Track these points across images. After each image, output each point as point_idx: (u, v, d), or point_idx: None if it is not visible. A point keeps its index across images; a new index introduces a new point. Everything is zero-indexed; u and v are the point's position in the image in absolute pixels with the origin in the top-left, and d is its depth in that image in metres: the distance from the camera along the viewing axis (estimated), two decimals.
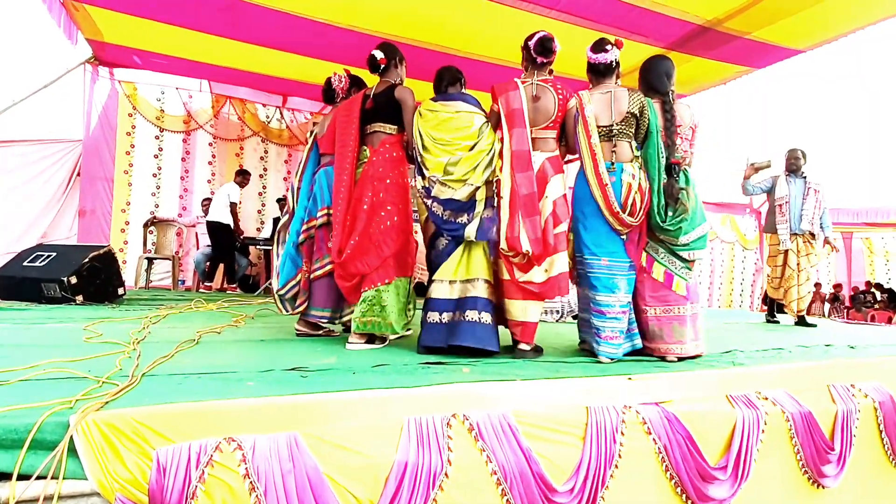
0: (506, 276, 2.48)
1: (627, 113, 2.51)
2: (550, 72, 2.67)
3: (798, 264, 4.60)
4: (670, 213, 2.49)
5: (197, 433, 1.39)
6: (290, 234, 2.99)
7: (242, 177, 6.41)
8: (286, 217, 3.09)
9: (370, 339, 2.63)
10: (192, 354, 2.22)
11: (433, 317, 2.51)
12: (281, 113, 7.43)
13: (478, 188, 2.46)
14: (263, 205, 7.38)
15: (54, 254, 4.19)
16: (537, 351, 2.55)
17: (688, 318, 2.53)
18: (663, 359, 2.51)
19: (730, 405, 2.09)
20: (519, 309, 2.48)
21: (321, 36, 5.22)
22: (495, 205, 2.54)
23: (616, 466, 1.80)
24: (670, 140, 2.55)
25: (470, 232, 2.45)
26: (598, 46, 2.62)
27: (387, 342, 2.70)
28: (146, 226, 6.23)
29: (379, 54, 2.81)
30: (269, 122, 7.37)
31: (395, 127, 2.73)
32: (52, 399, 1.41)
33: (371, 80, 2.99)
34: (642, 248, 2.57)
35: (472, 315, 2.43)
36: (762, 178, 4.83)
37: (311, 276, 2.87)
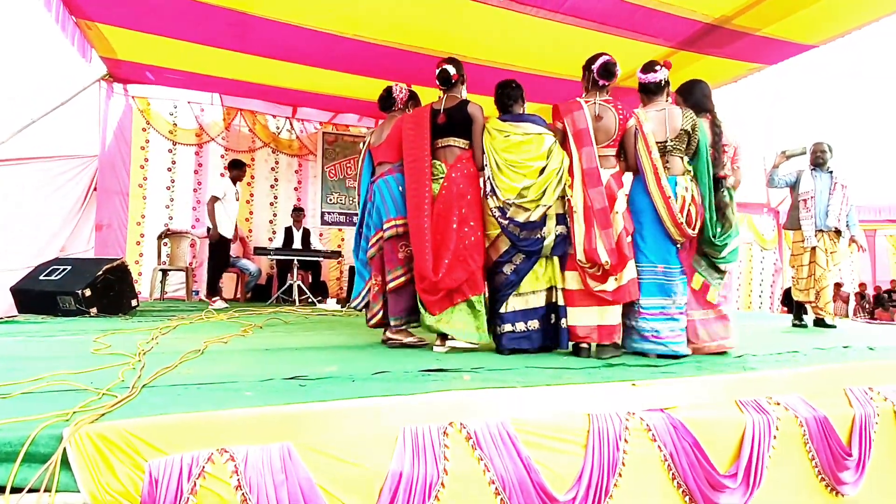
0: (576, 287, 2.67)
1: (681, 130, 2.70)
2: (608, 91, 2.83)
3: (827, 262, 4.41)
4: (719, 229, 2.70)
5: (190, 445, 1.39)
6: (358, 248, 3.11)
7: (237, 170, 5.99)
8: (356, 229, 3.19)
9: (444, 338, 2.79)
10: (196, 365, 2.23)
11: (519, 326, 2.69)
12: (291, 124, 7.51)
13: (549, 207, 2.64)
14: (275, 214, 7.45)
15: (69, 267, 4.28)
16: (616, 347, 2.70)
17: (727, 318, 2.80)
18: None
19: (739, 411, 2.02)
20: (596, 314, 2.65)
21: (329, 47, 5.28)
22: (567, 221, 2.68)
23: (620, 475, 1.75)
24: (717, 155, 2.76)
25: (547, 249, 2.67)
26: (648, 68, 2.84)
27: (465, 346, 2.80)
28: (160, 238, 6.33)
29: (451, 69, 2.86)
30: (279, 133, 7.45)
31: (467, 142, 2.82)
32: (51, 411, 1.42)
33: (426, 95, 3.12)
34: (691, 255, 2.77)
35: (534, 325, 2.70)
36: (787, 171, 4.65)
37: (387, 287, 2.90)
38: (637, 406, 1.90)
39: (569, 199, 2.65)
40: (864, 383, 2.36)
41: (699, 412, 1.96)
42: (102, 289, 4.14)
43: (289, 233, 6.79)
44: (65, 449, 1.29)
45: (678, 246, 2.70)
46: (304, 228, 6.88)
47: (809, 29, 4.87)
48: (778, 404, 2.10)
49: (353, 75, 6.00)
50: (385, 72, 5.88)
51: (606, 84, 2.77)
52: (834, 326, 4.43)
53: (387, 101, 3.17)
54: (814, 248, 4.41)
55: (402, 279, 2.86)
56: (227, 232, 5.75)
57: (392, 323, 2.90)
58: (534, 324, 2.69)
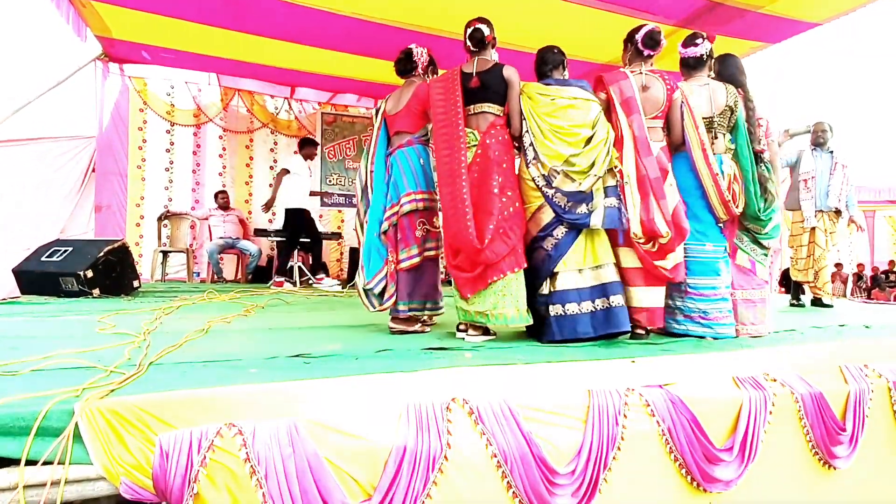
0: (632, 264, 2.51)
1: (725, 106, 2.63)
2: (653, 62, 2.71)
3: (826, 242, 4.42)
4: (762, 203, 2.64)
5: (199, 419, 1.42)
6: (369, 223, 2.76)
7: (308, 147, 5.98)
8: (364, 204, 2.85)
9: (485, 330, 2.54)
10: (200, 344, 2.26)
11: (571, 308, 2.43)
12: (289, 104, 7.45)
13: (599, 178, 2.45)
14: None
15: (71, 248, 4.29)
16: (649, 332, 2.61)
17: (767, 300, 2.78)
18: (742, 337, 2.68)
19: (736, 387, 2.06)
20: (646, 295, 2.53)
21: (327, 26, 5.21)
22: (618, 194, 2.49)
23: (619, 449, 1.79)
24: (753, 131, 2.67)
25: (596, 221, 2.43)
26: (689, 41, 2.73)
27: (496, 335, 2.59)
28: (160, 219, 6.32)
29: (486, 29, 2.61)
30: (277, 114, 7.40)
31: (501, 108, 2.59)
32: (61, 388, 1.45)
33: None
34: (734, 233, 2.72)
35: (617, 300, 2.45)
36: (788, 151, 4.62)
37: (398, 267, 2.68)
38: (636, 382, 1.94)
39: (620, 171, 2.49)
40: (859, 360, 2.40)
41: (697, 388, 1.99)
42: (104, 270, 4.15)
43: (289, 215, 6.77)
44: (77, 423, 1.32)
45: (721, 224, 2.67)
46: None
47: (813, 6, 4.82)
48: (774, 380, 2.14)
49: (351, 55, 5.93)
50: (384, 51, 5.79)
51: (652, 54, 2.67)
52: (831, 306, 4.47)
53: (406, 63, 2.88)
54: (813, 229, 4.42)
55: (417, 259, 2.66)
56: (297, 203, 5.78)
57: (400, 308, 2.67)
58: (589, 305, 2.44)
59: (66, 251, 4.26)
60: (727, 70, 2.82)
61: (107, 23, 5.29)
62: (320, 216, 7.45)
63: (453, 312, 2.69)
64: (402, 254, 2.68)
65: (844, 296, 10.15)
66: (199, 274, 6.73)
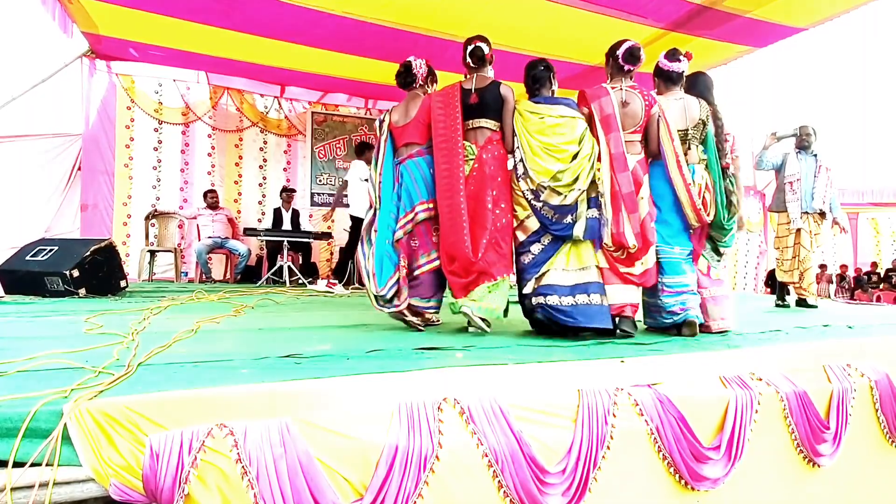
0: (606, 266, 2.68)
1: (699, 120, 2.80)
2: (632, 77, 2.82)
3: (811, 244, 4.48)
4: (726, 214, 2.82)
5: (189, 420, 1.42)
6: (379, 231, 2.83)
7: (369, 151, 5.90)
8: (370, 213, 2.90)
9: (487, 322, 2.73)
10: (190, 344, 2.24)
11: (552, 300, 2.60)
12: (279, 103, 7.42)
13: (583, 192, 2.61)
14: (264, 195, 7.40)
15: (56, 248, 4.23)
16: (634, 324, 2.73)
17: (730, 297, 2.98)
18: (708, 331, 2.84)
19: (723, 386, 2.09)
20: (620, 292, 2.67)
21: (317, 24, 5.19)
22: (599, 205, 2.64)
23: (608, 448, 1.81)
24: (721, 146, 2.84)
25: (578, 232, 2.61)
26: (673, 56, 2.87)
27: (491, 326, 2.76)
28: (147, 218, 6.26)
29: (486, 48, 2.78)
30: (267, 113, 7.36)
31: (498, 124, 2.75)
32: (48, 389, 1.44)
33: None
34: (703, 239, 2.89)
35: (596, 298, 2.61)
36: (774, 154, 4.68)
37: (418, 271, 2.81)
38: (625, 382, 1.96)
39: (600, 182, 2.64)
40: (842, 360, 2.44)
41: (685, 388, 2.02)
42: (91, 269, 4.10)
43: (278, 213, 6.75)
44: (65, 425, 1.31)
45: (691, 231, 2.82)
46: (294, 209, 6.84)
47: (799, 11, 4.91)
48: (760, 380, 2.17)
49: (342, 54, 5.92)
50: (375, 51, 5.81)
51: (632, 69, 2.79)
52: (815, 307, 4.54)
53: (406, 77, 2.99)
54: (798, 230, 4.49)
55: (436, 262, 2.80)
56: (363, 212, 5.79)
57: (419, 304, 2.81)
58: (570, 299, 2.60)
59: (51, 250, 4.20)
60: (698, 87, 2.96)
61: (94, 19, 5.23)
62: (310, 216, 7.42)
63: (447, 312, 2.87)
64: (422, 258, 2.82)
65: (829, 296, 10.32)
66: (186, 274, 6.67)
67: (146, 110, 6.61)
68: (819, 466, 2.24)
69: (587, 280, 2.63)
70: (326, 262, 7.65)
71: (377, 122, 3.01)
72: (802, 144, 4.59)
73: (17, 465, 1.27)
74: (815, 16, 5.03)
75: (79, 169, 6.12)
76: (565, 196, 2.58)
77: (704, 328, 2.82)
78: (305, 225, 6.90)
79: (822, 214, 4.53)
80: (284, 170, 7.52)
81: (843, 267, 12.50)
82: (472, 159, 2.72)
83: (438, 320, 2.97)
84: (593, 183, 2.64)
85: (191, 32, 5.44)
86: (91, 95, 6.18)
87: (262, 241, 6.72)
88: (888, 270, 11.82)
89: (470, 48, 2.78)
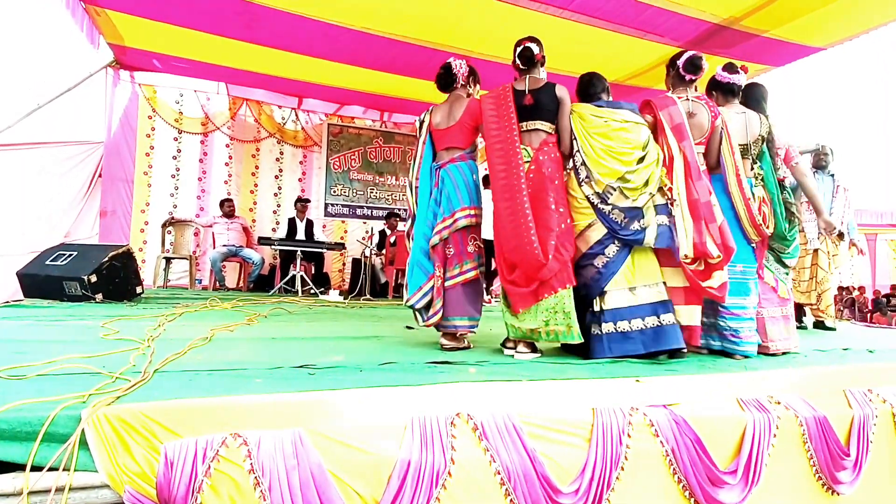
0: (675, 283, 2.57)
1: (759, 135, 2.79)
2: (696, 87, 2.80)
3: (829, 265, 4.41)
4: (787, 225, 2.81)
5: (204, 428, 1.42)
6: (415, 239, 2.74)
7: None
8: (410, 221, 2.82)
9: (533, 348, 2.53)
10: (204, 352, 2.26)
11: (622, 325, 2.48)
12: (296, 115, 7.53)
13: (653, 196, 2.53)
14: (279, 205, 7.48)
15: (75, 253, 4.30)
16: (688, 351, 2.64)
17: (791, 317, 2.93)
18: (770, 354, 2.79)
19: (740, 409, 2.05)
20: (688, 313, 2.58)
21: (335, 38, 5.28)
22: (669, 212, 2.55)
23: (622, 469, 1.78)
24: (774, 158, 2.85)
25: (650, 239, 2.48)
26: (732, 68, 2.86)
27: (543, 353, 2.57)
28: (164, 226, 6.35)
29: (535, 48, 2.63)
30: (284, 124, 7.47)
31: (553, 126, 2.62)
32: (67, 393, 1.45)
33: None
34: (763, 255, 2.84)
35: (668, 318, 2.50)
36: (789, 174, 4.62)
37: (451, 282, 2.65)
38: (640, 402, 1.93)
39: (669, 189, 2.55)
40: (863, 385, 2.39)
41: (701, 409, 1.99)
42: (108, 275, 4.16)
43: (292, 223, 6.81)
44: (83, 430, 1.32)
45: (753, 245, 2.76)
46: (308, 219, 6.90)
47: (817, 31, 4.89)
48: (779, 403, 2.13)
49: (358, 68, 6.01)
50: (391, 65, 5.90)
51: (694, 79, 2.76)
52: (834, 329, 4.45)
53: (447, 78, 2.84)
54: (816, 251, 4.43)
55: (472, 273, 2.65)
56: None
57: (457, 323, 2.62)
58: (639, 322, 2.48)
59: (70, 255, 4.27)
60: (754, 97, 2.94)
61: (120, 31, 5.37)
62: (324, 226, 7.48)
63: (481, 327, 2.75)
64: (454, 269, 2.66)
65: (847, 319, 10.12)
66: (200, 281, 6.74)
67: (167, 120, 6.74)
68: (838, 494, 2.18)
69: (656, 299, 2.51)
70: (339, 272, 7.69)
71: (416, 123, 2.91)
72: (819, 164, 4.54)
73: (35, 468, 1.28)
74: (834, 36, 5.01)
75: (99, 176, 6.24)
76: (636, 199, 2.48)
77: (763, 349, 2.78)
78: (319, 235, 6.96)
79: (841, 235, 4.46)
80: (300, 180, 7.61)
81: (861, 289, 12.27)
82: (527, 162, 2.56)
83: (469, 345, 2.71)
84: (660, 190, 2.56)
85: (213, 45, 5.56)
86: (114, 104, 6.33)
87: (275, 251, 6.78)
88: None
89: (519, 49, 2.65)
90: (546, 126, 2.60)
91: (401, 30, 5.10)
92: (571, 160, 2.64)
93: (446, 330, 2.64)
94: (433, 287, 2.64)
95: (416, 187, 2.77)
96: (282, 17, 4.91)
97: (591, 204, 2.53)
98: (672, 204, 2.54)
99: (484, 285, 2.82)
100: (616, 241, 2.52)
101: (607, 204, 2.50)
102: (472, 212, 2.67)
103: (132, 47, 5.77)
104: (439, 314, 2.62)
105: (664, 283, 2.56)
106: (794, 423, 2.11)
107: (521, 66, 2.66)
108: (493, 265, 2.79)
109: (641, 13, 4.57)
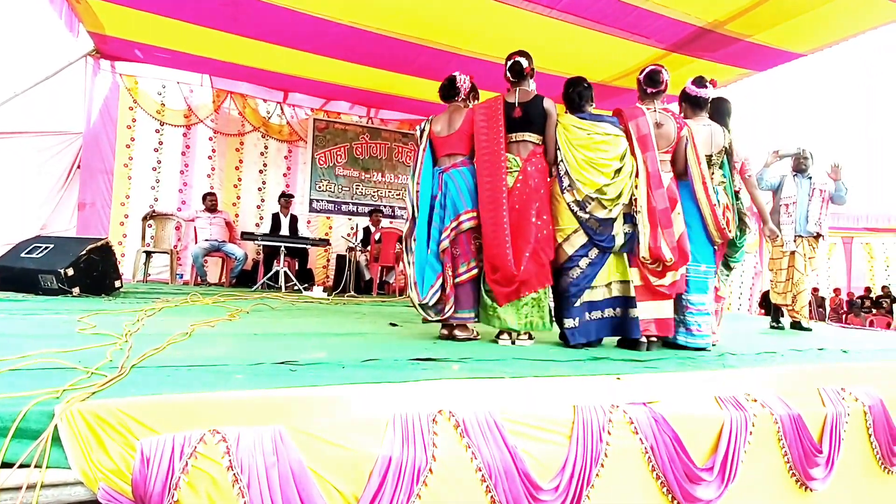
0: (638, 282, 2.80)
1: (722, 146, 2.99)
2: (662, 99, 2.97)
3: (805, 267, 4.51)
4: (738, 233, 3.04)
5: (182, 425, 1.40)
6: (418, 240, 2.89)
7: None
8: (409, 223, 2.96)
9: (530, 336, 2.83)
10: (184, 347, 2.22)
11: (595, 314, 2.78)
12: (281, 109, 7.45)
13: (625, 205, 2.76)
14: (263, 200, 7.40)
15: (52, 245, 4.21)
16: (659, 341, 2.87)
17: (720, 312, 3.19)
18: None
19: (718, 407, 2.09)
20: (655, 307, 2.81)
21: (323, 32, 5.24)
22: (634, 221, 2.77)
23: (602, 465, 1.80)
24: (733, 170, 3.07)
25: (618, 244, 2.77)
26: (701, 82, 3.02)
27: (534, 339, 2.86)
28: (145, 219, 6.24)
29: (525, 62, 2.83)
30: (269, 118, 7.39)
31: (541, 137, 2.83)
32: (40, 389, 1.42)
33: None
34: (721, 258, 3.05)
35: (632, 312, 2.76)
36: (772, 175, 4.71)
37: (457, 280, 2.83)
38: (621, 399, 1.95)
39: (635, 199, 2.76)
40: (836, 384, 2.45)
41: (680, 407, 2.02)
42: (86, 269, 4.08)
43: (276, 219, 6.75)
44: (56, 426, 1.29)
45: (715, 248, 2.96)
46: (292, 215, 6.84)
47: (798, 38, 4.98)
48: (755, 401, 2.17)
49: (345, 62, 5.97)
50: (379, 60, 5.86)
51: (655, 92, 2.92)
52: (810, 329, 4.55)
53: (450, 90, 3.03)
54: (793, 253, 4.52)
55: (475, 271, 2.86)
56: None
57: (462, 316, 2.85)
58: (610, 311, 2.79)
59: (46, 248, 4.18)
60: (719, 111, 3.12)
61: (100, 19, 5.26)
62: (308, 222, 7.42)
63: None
64: (461, 267, 2.86)
65: (821, 319, 10.34)
66: (182, 276, 6.64)
67: (148, 111, 6.62)
68: (811, 490, 2.23)
69: (623, 294, 2.79)
70: (323, 268, 7.64)
71: (417, 130, 3.08)
72: (799, 167, 4.64)
73: (5, 465, 1.25)
74: (815, 42, 5.11)
75: (78, 167, 6.11)
76: (610, 209, 2.71)
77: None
78: (303, 231, 6.91)
79: (818, 237, 4.55)
80: (284, 175, 7.53)
81: (836, 290, 12.55)
82: (515, 171, 2.78)
83: (477, 335, 2.96)
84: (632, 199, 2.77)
85: (196, 36, 5.47)
86: (94, 94, 6.19)
87: (259, 246, 6.71)
88: (879, 296, 11.88)
89: (509, 63, 2.85)
90: (534, 137, 2.82)
91: (388, 25, 5.07)
92: (555, 168, 2.84)
93: (458, 322, 2.87)
94: (443, 284, 2.82)
95: (418, 192, 2.92)
96: (267, 10, 4.85)
97: (572, 211, 2.76)
98: (635, 211, 2.76)
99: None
100: (595, 246, 2.77)
101: (585, 212, 2.73)
102: (474, 214, 2.84)
103: (113, 36, 5.65)
104: (452, 309, 2.81)
105: (630, 281, 2.80)
106: (770, 420, 2.15)
107: (511, 79, 2.86)
108: None
109: (628, 14, 4.61)
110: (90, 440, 1.30)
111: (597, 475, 1.78)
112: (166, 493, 1.30)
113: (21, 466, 1.25)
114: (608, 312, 2.81)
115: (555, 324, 2.87)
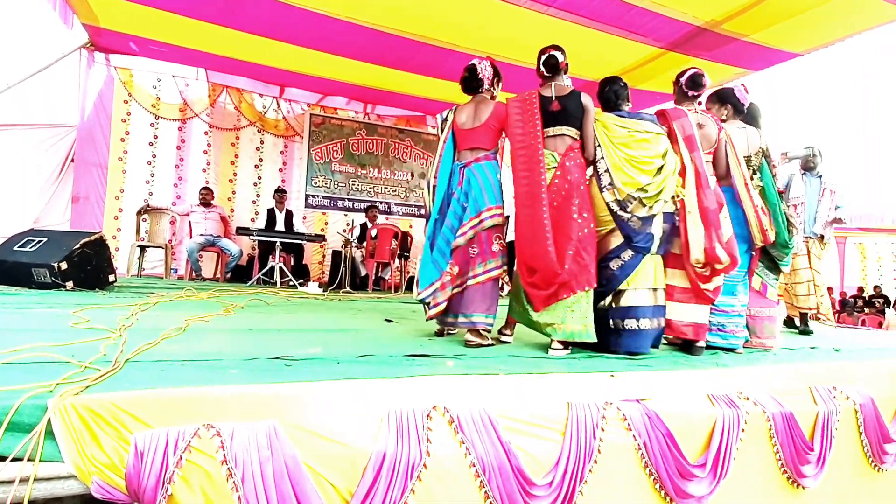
0: (682, 285, 2.75)
1: (759, 148, 3.02)
2: (700, 102, 2.99)
3: (811, 265, 4.36)
4: (787, 235, 2.99)
5: (176, 419, 1.40)
6: (429, 236, 2.79)
7: None
8: (426, 220, 2.88)
9: (566, 345, 2.56)
10: (178, 342, 2.22)
11: (644, 323, 2.60)
12: (278, 104, 7.42)
13: (665, 202, 2.65)
14: (259, 195, 7.38)
15: (45, 239, 4.18)
16: (701, 347, 2.79)
17: (776, 318, 3.14)
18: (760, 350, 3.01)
19: (711, 404, 2.10)
20: (696, 312, 2.75)
21: (320, 27, 5.21)
22: (676, 221, 2.71)
23: (595, 462, 1.81)
24: (772, 171, 3.07)
25: (654, 248, 2.64)
26: (747, 89, 3.11)
27: (571, 349, 2.58)
28: (139, 213, 6.21)
29: (560, 56, 2.72)
30: (265, 113, 7.35)
31: (579, 132, 2.68)
32: (33, 382, 1.41)
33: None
34: (757, 261, 3.06)
35: (662, 322, 2.69)
36: (780, 175, 4.61)
37: (473, 280, 2.66)
38: (614, 396, 1.96)
39: (681, 200, 2.69)
40: (828, 383, 2.47)
41: (673, 404, 2.03)
42: (79, 262, 4.05)
43: (272, 214, 6.73)
44: (49, 420, 1.28)
45: (752, 252, 2.98)
46: (287, 210, 6.82)
47: (795, 38, 5.00)
48: (747, 399, 2.19)
49: (342, 58, 5.94)
50: (376, 56, 5.84)
51: (696, 95, 2.94)
52: (810, 332, 4.16)
53: (472, 81, 2.83)
54: (806, 254, 4.41)
55: (497, 272, 2.68)
56: None
57: (476, 320, 2.62)
58: (648, 322, 2.61)
59: (40, 242, 4.15)
60: (752, 115, 3.18)
61: (95, 11, 5.21)
62: (304, 218, 7.40)
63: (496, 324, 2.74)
64: (478, 268, 2.68)
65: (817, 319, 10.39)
66: (176, 270, 6.61)
67: (143, 105, 6.58)
68: (803, 488, 2.25)
69: (661, 302, 2.68)
70: (318, 264, 7.63)
71: (438, 120, 2.99)
72: (808, 166, 4.50)
73: None
74: (811, 42, 5.12)
75: (72, 161, 6.07)
76: (651, 207, 2.59)
77: (758, 345, 3.06)
78: (299, 226, 6.89)
79: (822, 238, 4.45)
80: (280, 170, 7.51)
81: (829, 290, 12.62)
82: (553, 167, 2.63)
83: (493, 342, 2.71)
84: (671, 198, 2.70)
85: (192, 29, 5.44)
86: (88, 87, 6.15)
87: (254, 241, 6.69)
88: (871, 296, 11.98)
89: (544, 57, 2.73)
90: (572, 132, 2.67)
91: (386, 21, 5.05)
92: (594, 166, 2.71)
93: (473, 328, 2.64)
94: (441, 282, 2.65)
95: (434, 186, 2.79)
96: (264, 4, 4.82)
97: (611, 211, 2.62)
98: (682, 212, 2.69)
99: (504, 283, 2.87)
100: (630, 248, 2.63)
101: (626, 212, 2.59)
102: (498, 211, 2.70)
103: (108, 29, 5.60)
104: (441, 307, 2.62)
105: (668, 284, 2.74)
106: (762, 418, 2.17)
107: (545, 74, 2.74)
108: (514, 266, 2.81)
109: (625, 13, 4.61)
110: (84, 434, 1.30)
111: (590, 471, 1.79)
112: (160, 487, 1.30)
113: (14, 460, 1.25)
114: (654, 323, 2.62)
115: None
